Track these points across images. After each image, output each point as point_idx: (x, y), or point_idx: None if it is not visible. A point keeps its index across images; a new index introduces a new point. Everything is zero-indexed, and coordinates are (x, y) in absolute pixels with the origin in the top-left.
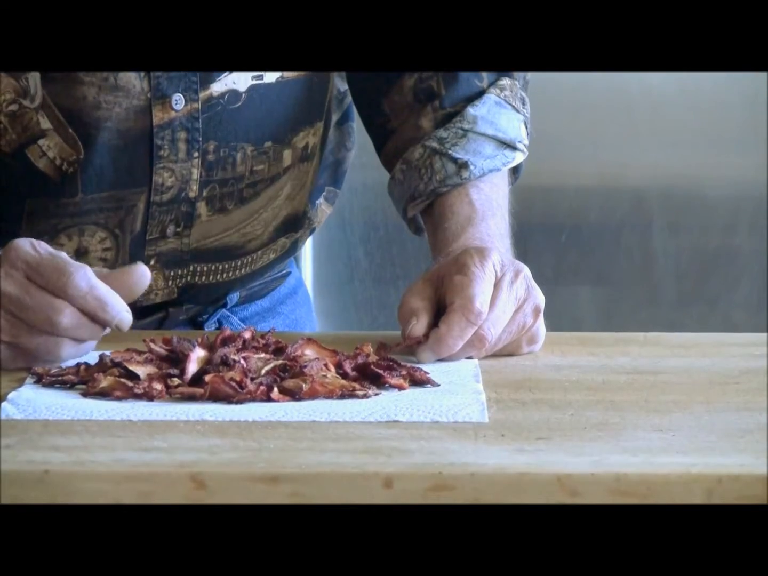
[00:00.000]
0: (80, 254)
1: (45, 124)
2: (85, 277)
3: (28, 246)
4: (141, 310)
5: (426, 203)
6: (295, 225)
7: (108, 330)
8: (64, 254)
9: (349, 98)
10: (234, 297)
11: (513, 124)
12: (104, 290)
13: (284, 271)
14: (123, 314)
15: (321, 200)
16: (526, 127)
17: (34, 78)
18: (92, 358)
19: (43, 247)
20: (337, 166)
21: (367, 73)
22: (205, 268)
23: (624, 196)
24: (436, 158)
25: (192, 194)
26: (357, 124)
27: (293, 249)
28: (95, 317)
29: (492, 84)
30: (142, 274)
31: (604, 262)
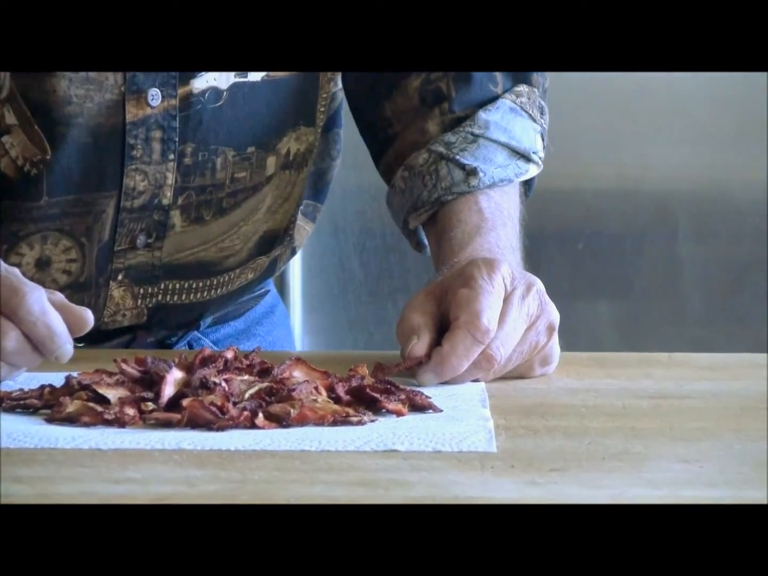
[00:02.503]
0: (42, 265)
1: (10, 119)
2: (39, 301)
3: None
4: (107, 333)
5: (429, 213)
6: (275, 242)
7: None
8: (17, 272)
9: (337, 101)
10: (207, 318)
11: (528, 134)
12: (55, 318)
13: (262, 290)
14: (66, 346)
15: (298, 215)
16: (543, 139)
17: None
18: (58, 379)
19: None
20: (318, 176)
21: (367, 73)
22: (178, 286)
23: (646, 201)
24: (442, 164)
25: (166, 201)
26: (345, 131)
27: (271, 269)
28: (41, 346)
29: (508, 89)
30: (86, 318)
31: (624, 273)
